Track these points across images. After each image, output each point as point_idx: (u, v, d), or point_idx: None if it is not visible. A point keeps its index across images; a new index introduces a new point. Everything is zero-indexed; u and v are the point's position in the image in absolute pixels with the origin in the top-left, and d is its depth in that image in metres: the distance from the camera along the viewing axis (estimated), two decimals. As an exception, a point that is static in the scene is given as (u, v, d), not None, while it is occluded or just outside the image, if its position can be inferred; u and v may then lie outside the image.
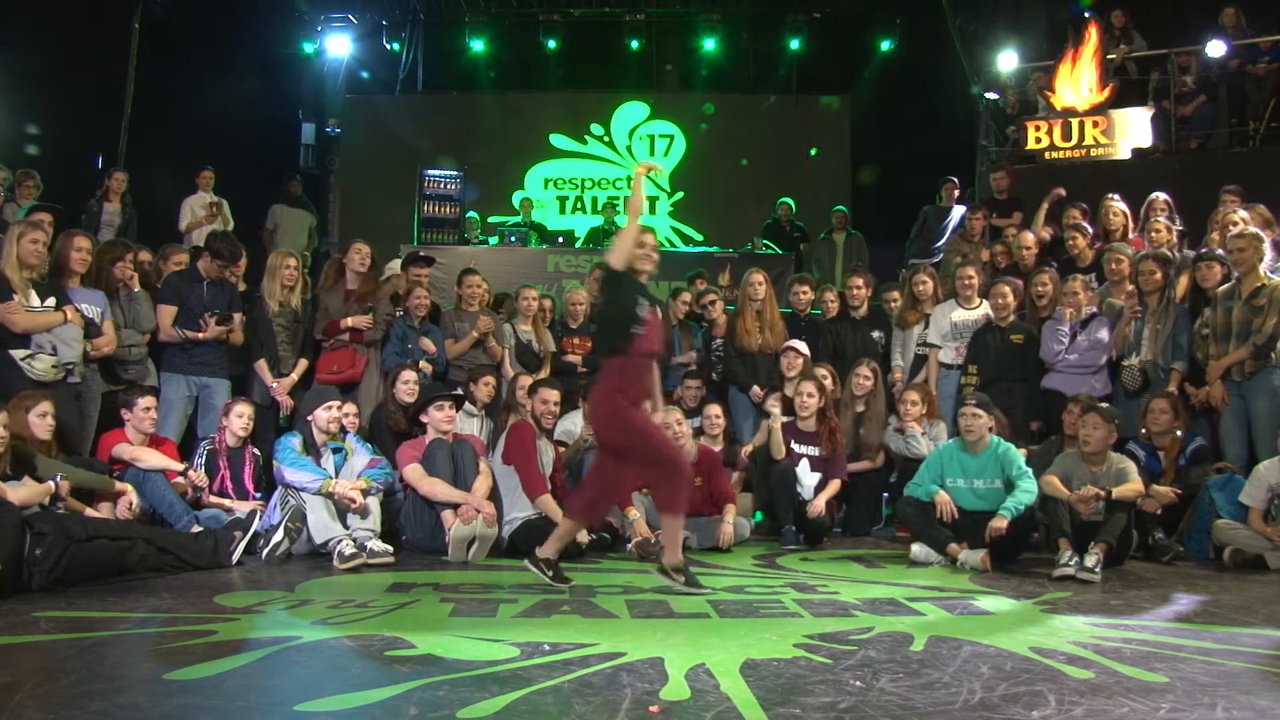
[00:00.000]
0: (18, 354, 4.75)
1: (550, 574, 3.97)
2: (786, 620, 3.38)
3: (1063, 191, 7.56)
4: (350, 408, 5.35)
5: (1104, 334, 5.85)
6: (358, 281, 6.12)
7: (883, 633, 3.17)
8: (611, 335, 3.95)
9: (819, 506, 5.40)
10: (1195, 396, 5.49)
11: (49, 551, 3.69)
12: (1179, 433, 5.25)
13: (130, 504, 4.55)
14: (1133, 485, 4.65)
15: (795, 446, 5.63)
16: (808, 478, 5.56)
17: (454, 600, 3.71)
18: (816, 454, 5.63)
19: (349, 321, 5.94)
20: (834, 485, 5.59)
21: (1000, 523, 4.55)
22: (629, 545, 5.04)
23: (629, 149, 13.38)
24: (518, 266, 9.41)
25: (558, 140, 13.32)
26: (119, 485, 4.59)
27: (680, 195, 13.24)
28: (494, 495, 4.98)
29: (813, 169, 12.90)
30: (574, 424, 5.85)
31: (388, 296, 6.24)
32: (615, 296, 4.01)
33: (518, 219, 11.06)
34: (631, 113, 13.47)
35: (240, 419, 5.23)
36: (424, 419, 5.21)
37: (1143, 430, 5.33)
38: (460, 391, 5.67)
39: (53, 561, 3.70)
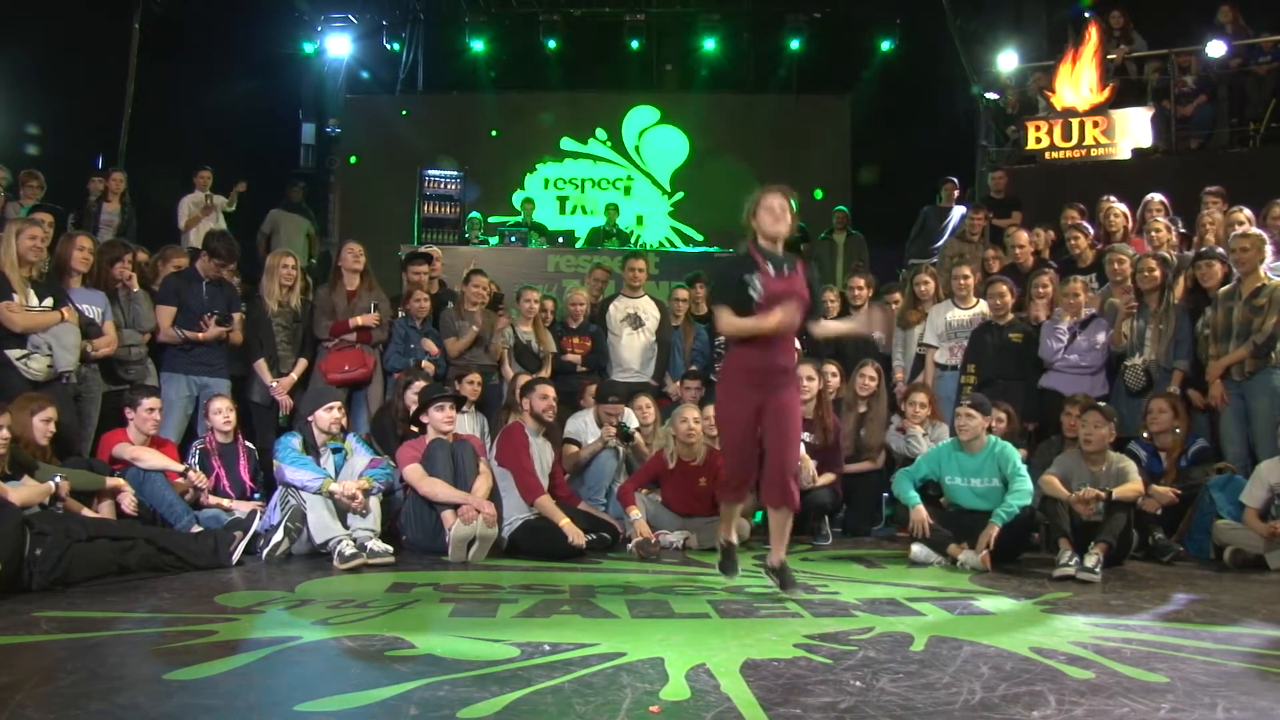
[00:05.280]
0: (13, 354, 4.75)
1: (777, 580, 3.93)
2: (786, 620, 3.38)
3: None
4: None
5: (1103, 335, 5.84)
6: (355, 281, 6.12)
7: (883, 633, 3.17)
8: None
9: (813, 476, 5.40)
10: (1197, 401, 5.49)
11: (49, 551, 3.69)
12: (1178, 431, 5.25)
13: (130, 499, 4.55)
14: (1133, 485, 4.65)
15: None
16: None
17: (454, 600, 3.71)
18: (809, 439, 5.58)
19: (357, 320, 5.92)
20: (827, 478, 5.58)
21: (991, 531, 4.58)
22: (629, 545, 5.05)
23: (637, 149, 13.37)
24: (518, 266, 9.41)
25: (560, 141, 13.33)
26: (110, 481, 4.58)
27: (680, 195, 13.24)
28: (494, 495, 4.98)
29: (813, 169, 12.87)
30: (583, 423, 5.85)
31: (389, 296, 6.24)
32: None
33: (518, 219, 11.06)
34: (640, 116, 13.46)
35: (219, 415, 5.21)
36: (424, 419, 5.20)
37: (1144, 432, 5.33)
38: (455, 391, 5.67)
39: (53, 561, 3.70)
